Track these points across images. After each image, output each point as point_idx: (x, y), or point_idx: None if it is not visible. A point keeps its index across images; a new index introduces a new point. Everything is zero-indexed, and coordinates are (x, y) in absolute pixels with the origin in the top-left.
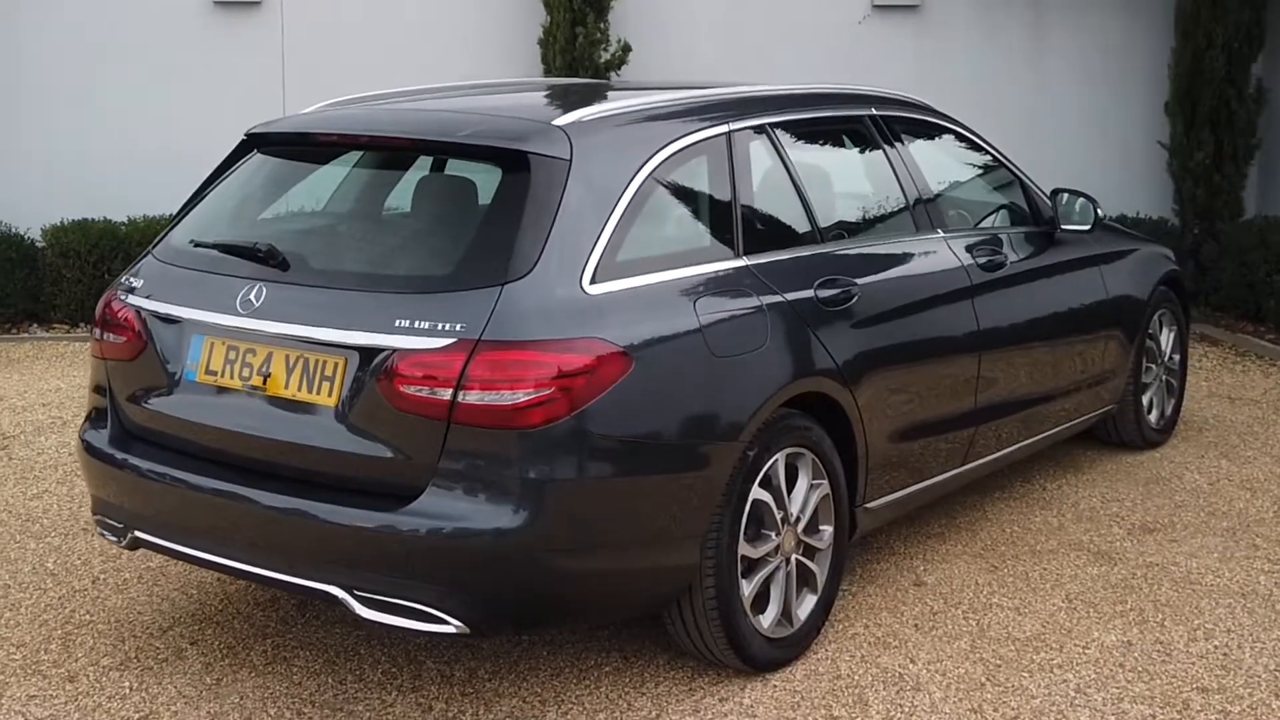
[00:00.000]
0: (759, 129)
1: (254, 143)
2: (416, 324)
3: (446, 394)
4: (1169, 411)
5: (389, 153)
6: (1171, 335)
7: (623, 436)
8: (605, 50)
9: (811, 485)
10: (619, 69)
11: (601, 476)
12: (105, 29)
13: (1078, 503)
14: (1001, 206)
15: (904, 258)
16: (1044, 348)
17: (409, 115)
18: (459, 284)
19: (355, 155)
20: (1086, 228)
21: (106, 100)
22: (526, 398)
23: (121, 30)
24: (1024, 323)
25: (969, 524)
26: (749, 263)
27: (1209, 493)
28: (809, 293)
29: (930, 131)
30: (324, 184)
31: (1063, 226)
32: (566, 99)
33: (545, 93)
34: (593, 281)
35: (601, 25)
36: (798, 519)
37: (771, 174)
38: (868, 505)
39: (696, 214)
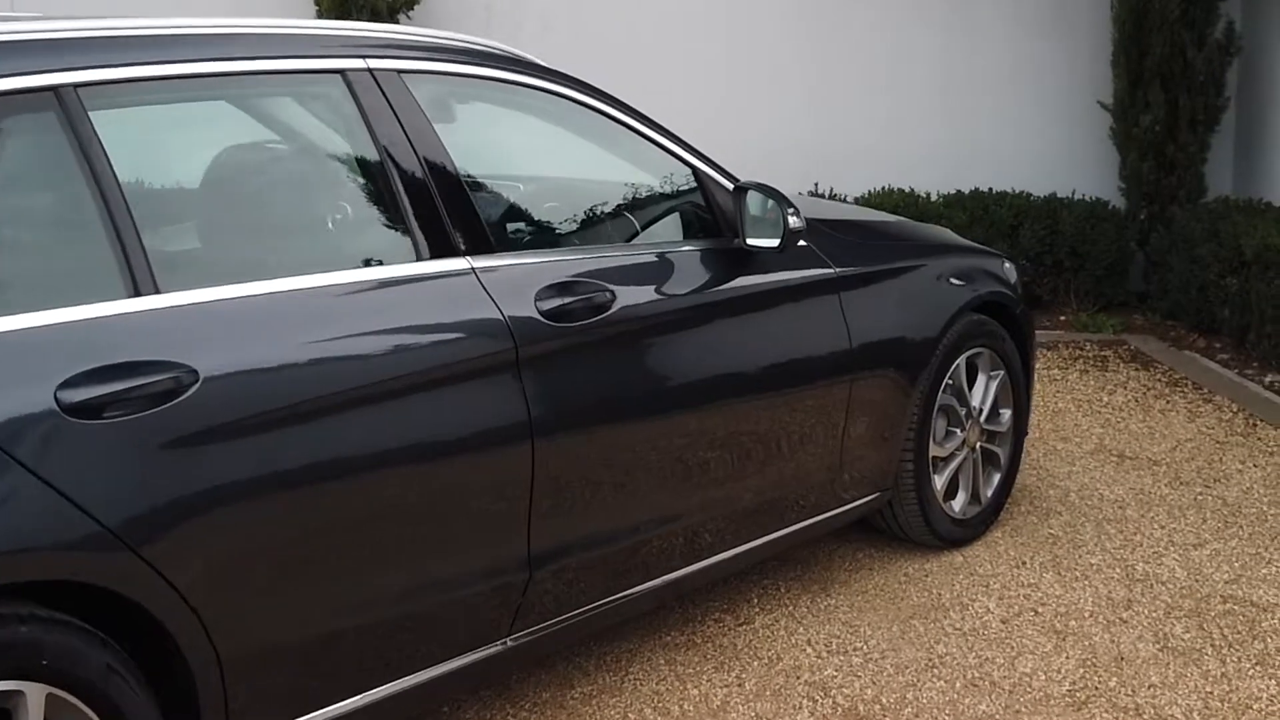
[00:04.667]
0: (41, 94)
1: None
2: None
3: None
4: (988, 493)
5: None
6: (994, 385)
7: None
8: None
9: None
10: (408, 12)
11: None
12: None
13: (780, 656)
14: (662, 215)
15: (336, 311)
16: (695, 429)
17: None
18: None
19: None
20: (774, 244)
21: None
22: None
23: None
24: (647, 396)
25: (577, 704)
26: None
27: (995, 638)
28: (40, 393)
29: (509, 98)
30: None
31: (748, 241)
32: None
33: None
34: None
35: None
36: None
37: (45, 178)
38: None
39: None
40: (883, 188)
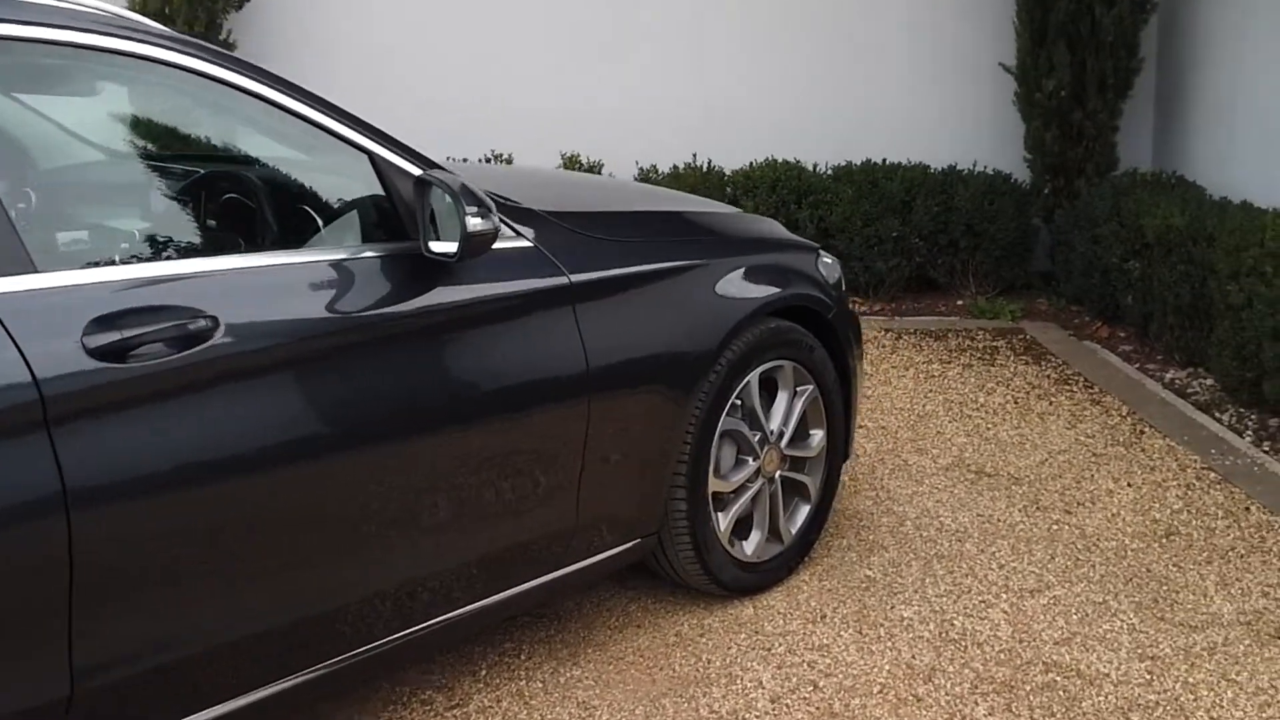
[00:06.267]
0: None
1: None
2: None
3: None
4: (793, 530)
5: None
6: (800, 403)
7: None
8: None
9: None
10: (238, 7)
11: None
12: None
13: None
14: (332, 216)
15: None
16: (341, 482)
17: None
18: None
19: None
20: (451, 250)
21: None
22: None
23: None
24: (265, 447)
25: None
26: None
27: None
28: None
29: (106, 72)
30: None
31: (430, 246)
32: None
33: None
34: None
35: None
36: None
37: None
38: None
39: None
40: (766, 159)
